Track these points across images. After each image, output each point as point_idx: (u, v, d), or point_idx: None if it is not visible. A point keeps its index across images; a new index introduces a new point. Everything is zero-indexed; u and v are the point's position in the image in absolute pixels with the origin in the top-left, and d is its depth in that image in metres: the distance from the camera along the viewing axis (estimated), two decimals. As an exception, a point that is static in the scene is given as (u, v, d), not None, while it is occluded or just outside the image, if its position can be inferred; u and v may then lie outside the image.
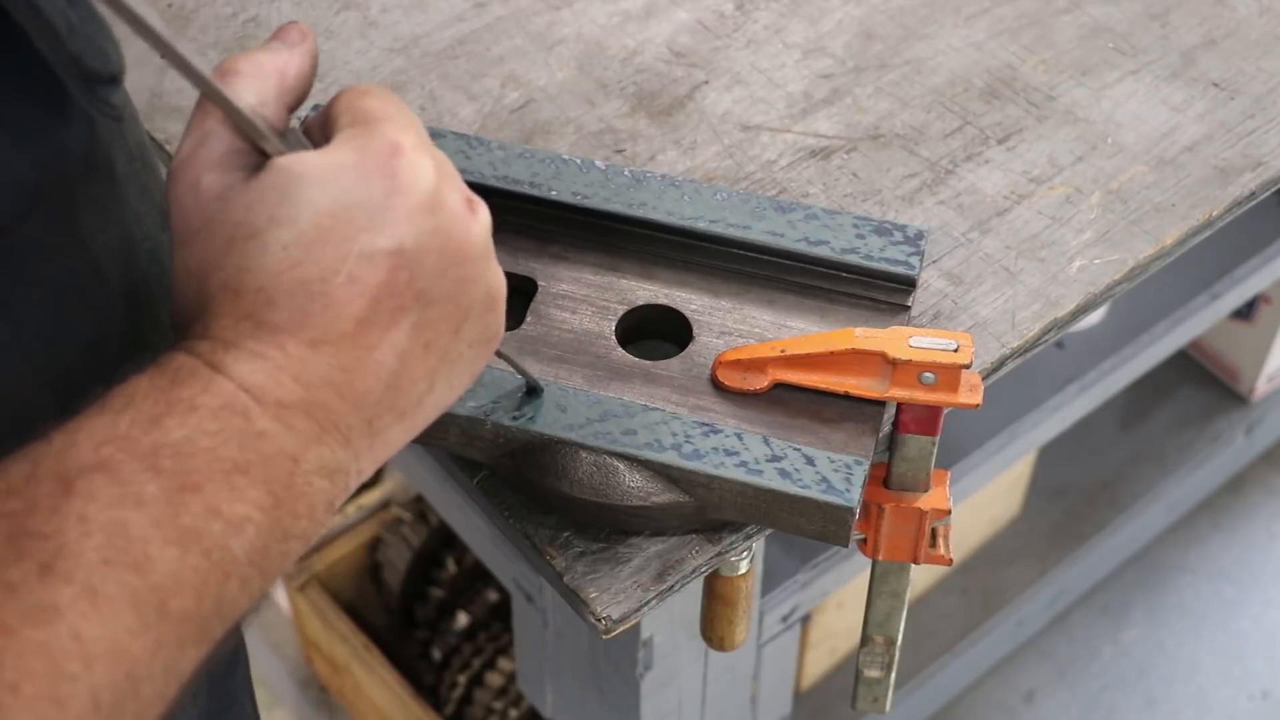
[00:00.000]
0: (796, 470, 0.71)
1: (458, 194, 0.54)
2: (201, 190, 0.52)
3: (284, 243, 0.50)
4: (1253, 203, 0.92)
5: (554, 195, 0.82)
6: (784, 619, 1.21)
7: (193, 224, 0.52)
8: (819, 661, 1.50)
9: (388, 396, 0.52)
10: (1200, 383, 1.75)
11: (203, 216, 0.51)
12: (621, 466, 0.72)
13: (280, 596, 1.62)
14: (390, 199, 0.51)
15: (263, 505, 0.48)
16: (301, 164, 0.51)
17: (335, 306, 0.50)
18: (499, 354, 0.66)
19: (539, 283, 0.80)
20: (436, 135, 0.84)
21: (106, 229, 0.57)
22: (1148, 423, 1.73)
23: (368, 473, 0.54)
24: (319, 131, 0.55)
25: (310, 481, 0.50)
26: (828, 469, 0.72)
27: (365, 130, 0.52)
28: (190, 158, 0.52)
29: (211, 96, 0.52)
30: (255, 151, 0.53)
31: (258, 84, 0.53)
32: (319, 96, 0.94)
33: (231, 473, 0.47)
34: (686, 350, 0.78)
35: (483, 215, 0.55)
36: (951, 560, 0.79)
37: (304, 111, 0.93)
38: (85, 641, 0.43)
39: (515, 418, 0.73)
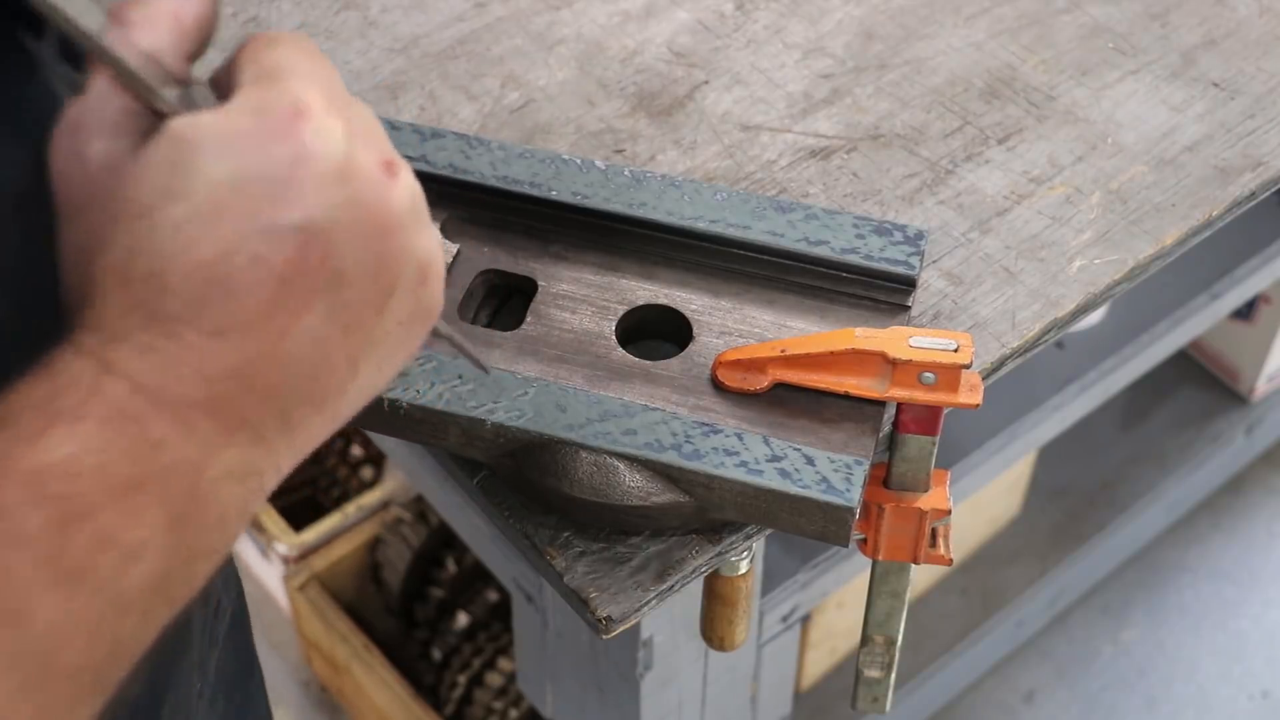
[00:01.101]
0: (796, 470, 0.71)
1: (374, 157, 0.48)
2: (87, 159, 0.46)
3: (177, 220, 0.44)
4: (1253, 203, 0.92)
5: (554, 195, 0.82)
6: (784, 619, 1.21)
7: (77, 199, 0.46)
8: (819, 661, 1.50)
9: (304, 386, 0.47)
10: (1200, 383, 1.75)
11: (88, 190, 0.46)
12: (621, 466, 0.72)
13: (280, 596, 1.62)
14: (295, 168, 0.45)
15: (163, 525, 0.43)
16: (195, 129, 0.45)
17: (238, 290, 0.45)
18: (438, 333, 0.60)
19: (539, 283, 0.80)
20: (437, 135, 0.84)
21: None
22: (1148, 423, 1.73)
23: (283, 472, 0.49)
24: (225, 85, 0.49)
25: (218, 489, 0.45)
26: (828, 469, 0.72)
27: (267, 88, 0.47)
28: (75, 123, 0.46)
29: (96, 52, 0.46)
30: (149, 113, 0.47)
31: (150, 32, 0.47)
32: (319, 96, 0.94)
33: (125, 492, 0.42)
34: (686, 350, 0.78)
35: (404, 179, 0.49)
36: (951, 560, 0.79)
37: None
38: None
39: (515, 417, 0.73)
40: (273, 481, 0.48)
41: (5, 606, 0.40)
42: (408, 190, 0.49)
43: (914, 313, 0.82)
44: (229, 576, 0.70)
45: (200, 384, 0.45)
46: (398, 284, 0.49)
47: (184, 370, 0.44)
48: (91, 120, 0.47)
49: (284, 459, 0.48)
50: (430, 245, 0.51)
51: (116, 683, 0.44)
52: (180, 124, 0.45)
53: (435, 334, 0.59)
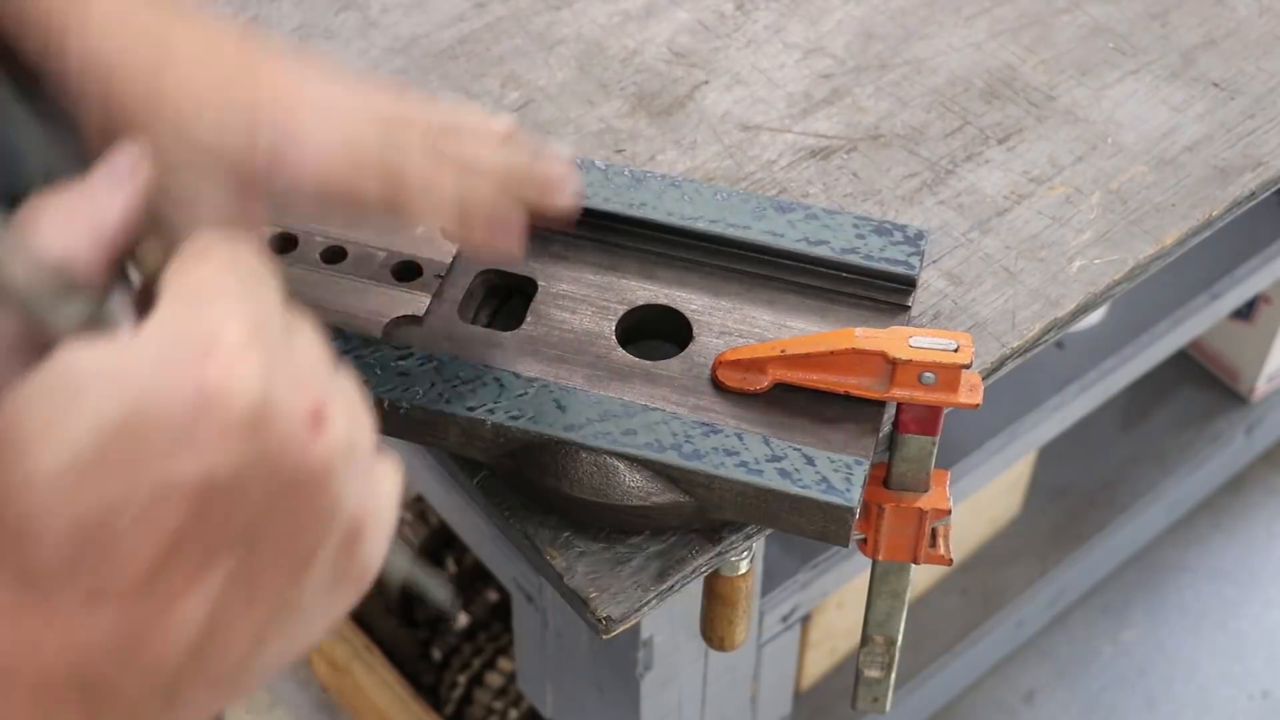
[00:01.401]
0: (796, 470, 0.71)
1: (300, 403, 0.41)
2: None
3: (56, 465, 0.38)
4: (1253, 203, 0.92)
5: (554, 195, 0.82)
6: (784, 619, 1.21)
7: None
8: (819, 661, 1.50)
9: (193, 663, 0.41)
10: (1200, 383, 1.75)
11: None
12: (621, 466, 0.72)
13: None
14: (197, 414, 0.39)
15: None
16: (86, 360, 0.39)
17: (121, 552, 0.39)
18: (392, 576, 0.52)
19: (539, 283, 0.80)
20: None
21: None
22: (1148, 423, 1.72)
23: None
24: (146, 303, 0.42)
25: None
26: (828, 469, 0.72)
27: (182, 312, 0.40)
28: None
29: None
30: (47, 334, 0.41)
31: (63, 236, 0.42)
32: (319, 96, 0.94)
33: None
34: (686, 350, 0.78)
35: (335, 430, 0.41)
36: (951, 560, 0.79)
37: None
38: None
39: (515, 417, 0.73)
40: None
41: None
42: (338, 442, 0.42)
43: (914, 313, 0.82)
44: None
45: (66, 658, 0.39)
46: (319, 549, 0.42)
47: (48, 644, 0.39)
48: None
49: None
50: (366, 502, 0.44)
51: None
52: (70, 354, 0.39)
53: (388, 576, 0.52)
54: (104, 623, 0.39)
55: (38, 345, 0.41)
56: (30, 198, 0.41)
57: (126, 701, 0.40)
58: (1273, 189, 0.93)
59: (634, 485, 0.72)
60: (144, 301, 0.42)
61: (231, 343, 0.40)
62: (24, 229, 0.42)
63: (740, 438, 0.73)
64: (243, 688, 0.43)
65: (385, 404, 0.73)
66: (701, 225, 0.81)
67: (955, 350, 0.71)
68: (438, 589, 0.58)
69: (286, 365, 0.41)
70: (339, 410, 0.42)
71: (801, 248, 0.80)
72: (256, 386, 0.40)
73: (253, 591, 0.41)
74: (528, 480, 0.73)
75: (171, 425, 0.39)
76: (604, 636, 0.73)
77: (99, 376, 0.39)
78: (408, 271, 0.80)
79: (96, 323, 0.42)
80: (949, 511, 0.77)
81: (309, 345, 0.43)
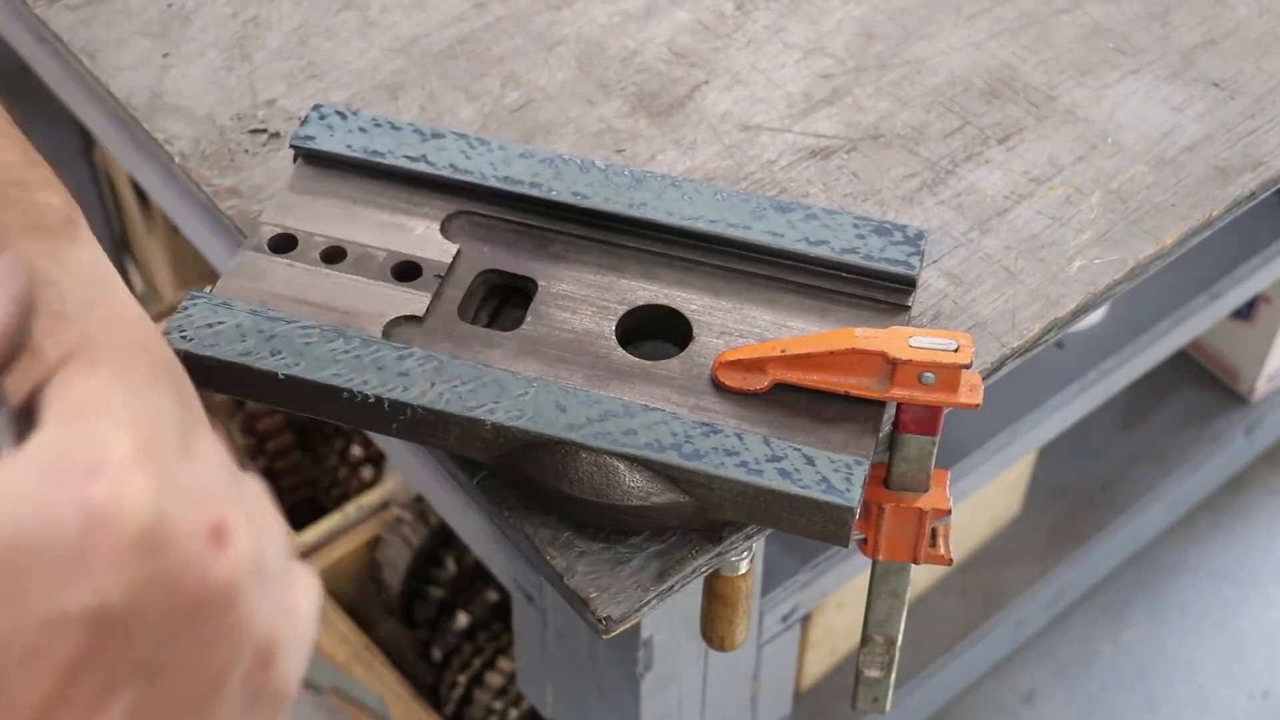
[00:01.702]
0: (796, 470, 0.71)
1: (198, 520, 0.38)
2: None
3: None
4: (1253, 203, 0.92)
5: (554, 195, 0.82)
6: (784, 619, 1.21)
7: None
8: (819, 661, 1.50)
9: None
10: (1200, 383, 1.75)
11: None
12: (621, 466, 0.72)
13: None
14: (85, 537, 0.36)
15: None
16: None
17: (9, 692, 0.36)
18: (321, 690, 0.51)
19: (539, 283, 0.80)
20: (437, 135, 0.84)
21: None
22: (1148, 423, 1.72)
23: None
24: (27, 419, 0.39)
25: None
26: (828, 469, 0.72)
27: (66, 430, 0.38)
28: None
29: None
30: None
31: None
32: (317, 97, 0.94)
33: None
34: (686, 350, 0.78)
35: (238, 546, 0.39)
36: (951, 560, 0.79)
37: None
38: None
39: (515, 417, 0.73)
40: None
41: None
42: (243, 559, 0.39)
43: (914, 313, 0.82)
44: None
45: None
46: (228, 674, 0.40)
47: None
48: None
49: None
50: (279, 620, 0.41)
51: None
52: None
53: (314, 689, 0.51)
54: None
55: None
56: None
57: None
58: (1273, 189, 0.93)
59: (634, 485, 0.72)
60: (24, 420, 0.39)
61: (120, 459, 0.37)
62: None
63: (740, 438, 0.73)
64: None
65: (385, 404, 0.73)
66: (701, 225, 0.81)
67: (955, 350, 0.71)
68: (367, 696, 0.56)
69: (183, 479, 0.38)
70: (243, 523, 0.39)
71: (801, 248, 0.80)
72: (148, 504, 0.37)
73: None
74: (528, 480, 0.73)
75: (58, 552, 0.36)
76: (604, 636, 0.73)
77: None
78: (408, 271, 0.80)
79: None
80: (949, 511, 0.77)
81: (209, 454, 0.40)
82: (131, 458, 0.37)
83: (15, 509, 0.36)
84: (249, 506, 0.41)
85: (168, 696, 0.38)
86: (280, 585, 0.41)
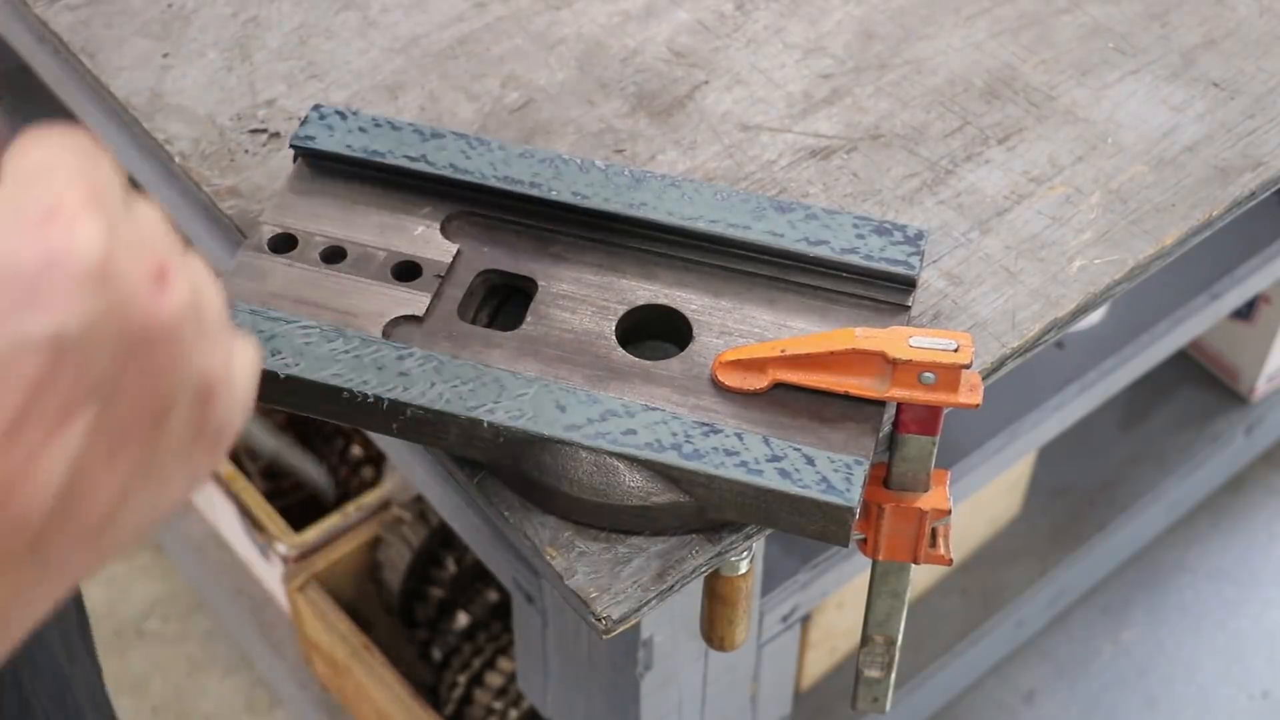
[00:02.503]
0: (796, 470, 0.71)
1: (142, 263, 0.44)
2: None
3: None
4: (1253, 203, 0.92)
5: (554, 195, 0.82)
6: (784, 619, 1.21)
7: None
8: (819, 661, 1.50)
9: (59, 516, 0.43)
10: (1200, 383, 1.75)
11: None
12: (621, 466, 0.72)
13: (280, 597, 1.62)
14: (44, 271, 0.41)
15: None
16: None
17: None
18: (263, 448, 0.56)
19: (539, 283, 0.80)
20: (437, 135, 0.84)
21: None
22: (1148, 423, 1.72)
23: (39, 607, 0.45)
24: None
25: None
26: (828, 469, 0.72)
27: (22, 188, 0.43)
28: None
29: None
30: None
31: None
32: (317, 96, 0.94)
33: None
34: (686, 350, 0.78)
35: (179, 290, 0.44)
36: (951, 560, 0.79)
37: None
38: None
39: (515, 417, 0.73)
40: (27, 621, 0.45)
41: None
42: (181, 301, 0.45)
43: (914, 313, 0.82)
44: (63, 708, 0.66)
45: None
46: (172, 405, 0.45)
47: None
48: None
49: (38, 597, 0.44)
50: (216, 362, 0.47)
51: None
52: None
53: (258, 450, 0.55)
54: None
55: None
56: None
57: None
58: (1273, 189, 0.93)
59: (634, 485, 0.72)
60: None
61: (71, 207, 0.42)
62: None
63: (740, 438, 0.73)
64: (110, 546, 0.45)
65: (385, 404, 0.73)
66: (701, 225, 0.81)
67: (955, 350, 0.71)
68: (307, 466, 0.62)
69: (127, 228, 0.44)
70: (183, 276, 0.45)
71: (801, 248, 0.80)
72: (98, 243, 0.42)
73: (113, 445, 0.44)
74: (528, 480, 0.73)
75: (20, 284, 0.41)
76: (604, 636, 0.73)
77: None
78: (408, 271, 0.80)
79: None
80: (949, 511, 0.77)
81: (149, 216, 0.45)
82: (81, 205, 0.43)
83: None
84: (189, 266, 0.46)
85: (120, 421, 0.43)
86: (218, 340, 0.47)
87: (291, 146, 0.84)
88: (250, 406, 0.49)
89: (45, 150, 0.44)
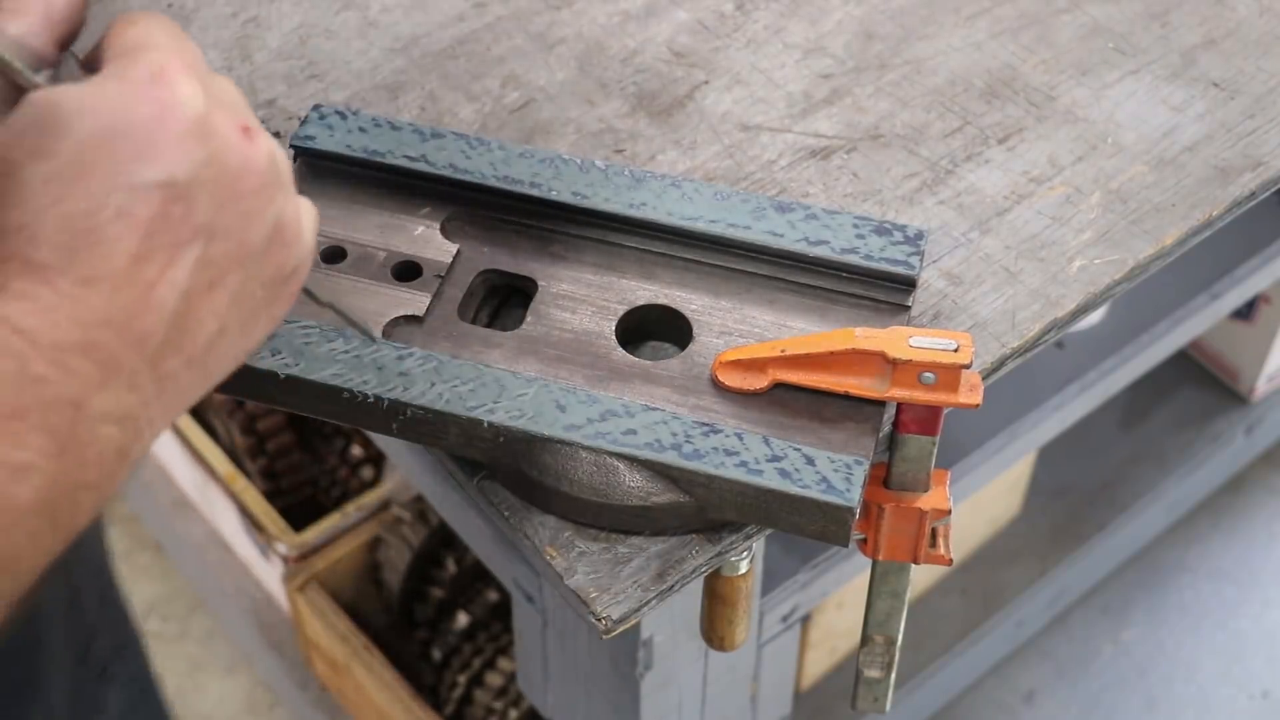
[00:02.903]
0: (796, 470, 0.71)
1: (232, 121, 0.51)
2: None
3: (45, 176, 0.48)
4: (1253, 203, 0.92)
5: (554, 195, 0.82)
6: (784, 619, 1.21)
7: None
8: (819, 661, 1.50)
9: (173, 338, 0.50)
10: (1200, 383, 1.75)
11: None
12: (621, 466, 0.72)
13: (280, 596, 1.62)
14: (156, 126, 0.49)
15: (47, 452, 0.46)
16: (59, 95, 0.49)
17: (105, 242, 0.48)
18: (319, 301, 0.63)
19: (539, 283, 0.80)
20: (437, 135, 0.84)
21: None
22: (1148, 423, 1.72)
23: (160, 424, 0.51)
24: (94, 66, 0.52)
25: (97, 428, 0.47)
26: (828, 469, 0.72)
27: (129, 58, 0.50)
28: None
29: None
30: (16, 90, 0.51)
31: (20, 18, 0.52)
32: (317, 96, 0.94)
33: (9, 418, 0.45)
34: (686, 350, 0.78)
35: (263, 143, 0.52)
36: (951, 560, 0.79)
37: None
38: None
39: (515, 417, 0.73)
40: (148, 434, 0.51)
41: None
42: (266, 153, 0.52)
43: (914, 313, 0.82)
44: (123, 640, 0.70)
45: (75, 329, 0.47)
46: (259, 243, 0.52)
47: (59, 316, 0.47)
48: None
49: (155, 411, 0.50)
50: (290, 208, 0.53)
51: (10, 593, 0.46)
52: (44, 92, 0.49)
53: (318, 302, 0.62)
54: (100, 301, 0.48)
55: (8, 99, 0.50)
56: None
57: (126, 369, 0.48)
58: (1273, 189, 0.93)
59: (634, 485, 0.72)
60: (89, 71, 0.52)
61: (175, 72, 0.49)
62: None
63: (740, 438, 0.73)
64: (211, 370, 0.52)
65: (385, 404, 0.73)
66: (701, 225, 0.81)
67: (955, 350, 0.71)
68: (357, 315, 0.69)
69: (218, 93, 0.51)
70: (263, 132, 0.52)
71: (801, 248, 0.80)
72: (200, 101, 0.49)
73: (212, 279, 0.50)
74: (528, 480, 0.73)
75: (136, 136, 0.48)
76: (604, 636, 0.73)
77: (75, 105, 0.48)
78: (408, 271, 0.80)
79: (57, 82, 0.50)
80: (949, 511, 0.77)
81: (227, 84, 0.52)
82: (182, 69, 0.50)
83: (100, 107, 0.48)
84: (263, 128, 0.53)
85: (220, 257, 0.50)
86: (290, 191, 0.53)
87: (291, 146, 0.84)
88: (313, 255, 0.56)
89: (141, 28, 0.51)
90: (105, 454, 0.48)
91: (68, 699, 0.65)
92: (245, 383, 0.74)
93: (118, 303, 0.48)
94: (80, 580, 0.67)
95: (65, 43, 0.54)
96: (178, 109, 0.49)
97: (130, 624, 0.72)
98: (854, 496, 0.71)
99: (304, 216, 0.54)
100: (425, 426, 0.74)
